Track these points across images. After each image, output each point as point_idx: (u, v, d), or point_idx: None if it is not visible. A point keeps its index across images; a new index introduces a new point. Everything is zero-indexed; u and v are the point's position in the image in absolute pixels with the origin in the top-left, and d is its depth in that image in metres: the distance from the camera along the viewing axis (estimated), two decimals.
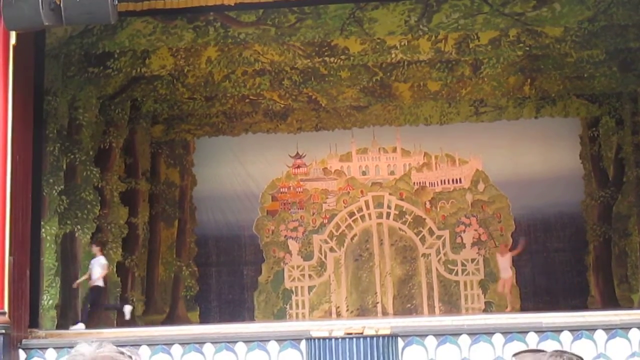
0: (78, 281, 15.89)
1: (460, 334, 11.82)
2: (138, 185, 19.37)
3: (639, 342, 11.54)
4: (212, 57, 16.78)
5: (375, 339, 11.67)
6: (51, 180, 14.93)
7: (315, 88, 18.90)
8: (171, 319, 19.82)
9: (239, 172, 21.55)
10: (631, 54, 17.04)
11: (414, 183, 21.31)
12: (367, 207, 21.26)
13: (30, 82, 13.29)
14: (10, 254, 11.86)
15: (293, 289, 20.92)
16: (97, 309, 16.34)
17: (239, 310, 20.64)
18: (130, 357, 2.89)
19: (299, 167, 21.62)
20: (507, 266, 18.89)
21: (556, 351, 2.95)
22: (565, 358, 2.90)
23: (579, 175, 20.41)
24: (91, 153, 16.90)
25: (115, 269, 17.67)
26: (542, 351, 2.97)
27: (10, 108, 12.08)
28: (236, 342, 12.04)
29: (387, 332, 11.78)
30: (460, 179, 21.19)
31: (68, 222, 15.71)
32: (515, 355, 3.02)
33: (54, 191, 14.99)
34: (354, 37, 15.99)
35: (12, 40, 12.08)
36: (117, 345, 2.93)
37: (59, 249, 14.99)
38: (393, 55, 16.74)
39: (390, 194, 21.23)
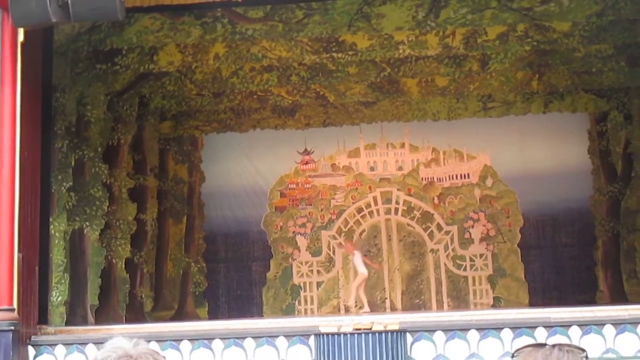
0: None
1: (469, 329, 11.81)
2: (146, 181, 19.38)
3: None
4: (220, 54, 16.78)
5: (383, 334, 11.67)
6: (60, 177, 14.94)
7: (323, 84, 18.89)
8: (180, 315, 19.86)
9: (247, 168, 21.57)
10: (639, 48, 17.00)
11: (422, 179, 21.29)
12: (376, 203, 21.25)
13: (38, 79, 13.30)
14: (19, 251, 11.89)
15: (301, 284, 20.92)
16: None
17: (247, 306, 20.67)
18: (164, 357, 2.93)
19: (307, 163, 21.62)
20: None
21: (555, 344, 2.96)
22: (565, 350, 2.90)
23: (588, 171, 20.36)
24: (99, 149, 16.90)
25: (124, 266, 17.71)
26: (543, 345, 2.97)
27: (19, 105, 12.10)
28: (245, 337, 12.06)
29: (396, 327, 11.78)
30: (468, 175, 21.16)
31: (77, 218, 15.73)
32: (516, 352, 3.02)
33: (63, 188, 15.00)
34: (361, 32, 15.98)
35: (20, 37, 12.10)
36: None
37: (67, 246, 15.00)
38: (401, 51, 16.73)
39: (398, 189, 21.21)
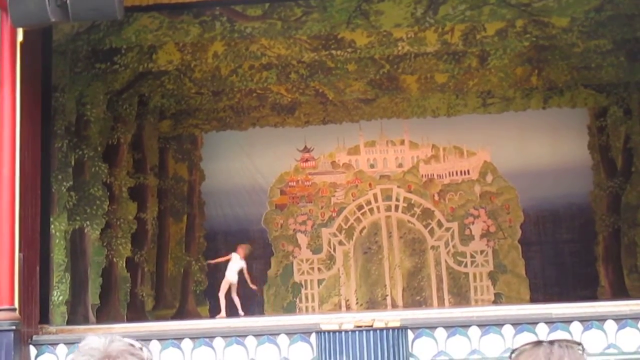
0: None
1: (470, 326, 11.82)
2: (146, 180, 19.38)
3: None
4: (219, 52, 16.79)
5: (385, 331, 11.69)
6: (60, 177, 14.96)
7: (322, 81, 18.89)
8: (181, 314, 19.85)
9: (247, 166, 21.54)
10: (638, 43, 16.99)
11: (422, 175, 21.26)
12: (376, 200, 21.23)
13: (37, 78, 13.32)
14: (20, 251, 11.90)
15: (302, 282, 20.91)
16: None
17: (248, 304, 20.60)
18: (141, 348, 2.90)
19: (307, 160, 21.60)
20: None
21: (554, 341, 2.95)
22: (565, 346, 2.89)
23: (588, 166, 20.33)
24: (99, 149, 16.92)
25: (124, 265, 17.71)
26: (541, 342, 2.96)
27: (18, 105, 12.12)
28: (246, 336, 12.07)
29: (397, 324, 11.80)
30: (468, 171, 21.14)
31: (77, 218, 15.74)
32: (513, 351, 3.01)
33: (63, 187, 15.02)
34: (360, 29, 15.99)
35: (19, 37, 12.11)
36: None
37: (68, 245, 15.02)
38: (400, 48, 16.74)
39: (398, 186, 21.19)
